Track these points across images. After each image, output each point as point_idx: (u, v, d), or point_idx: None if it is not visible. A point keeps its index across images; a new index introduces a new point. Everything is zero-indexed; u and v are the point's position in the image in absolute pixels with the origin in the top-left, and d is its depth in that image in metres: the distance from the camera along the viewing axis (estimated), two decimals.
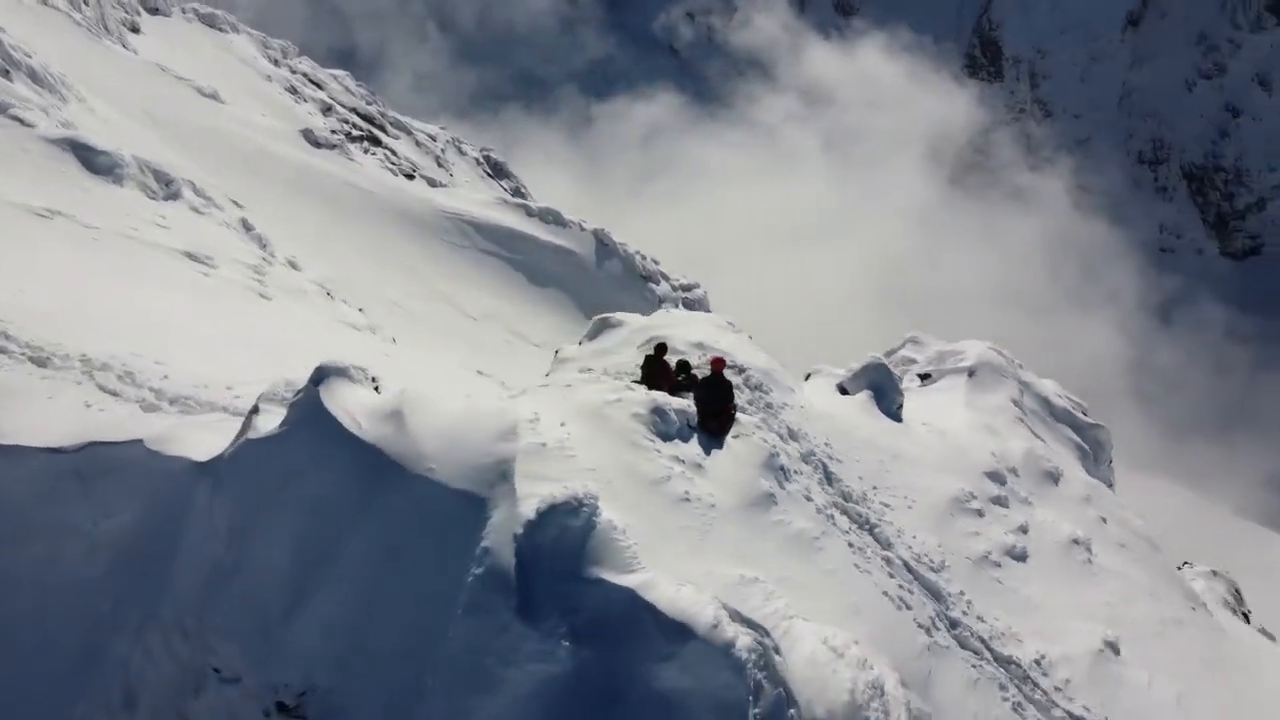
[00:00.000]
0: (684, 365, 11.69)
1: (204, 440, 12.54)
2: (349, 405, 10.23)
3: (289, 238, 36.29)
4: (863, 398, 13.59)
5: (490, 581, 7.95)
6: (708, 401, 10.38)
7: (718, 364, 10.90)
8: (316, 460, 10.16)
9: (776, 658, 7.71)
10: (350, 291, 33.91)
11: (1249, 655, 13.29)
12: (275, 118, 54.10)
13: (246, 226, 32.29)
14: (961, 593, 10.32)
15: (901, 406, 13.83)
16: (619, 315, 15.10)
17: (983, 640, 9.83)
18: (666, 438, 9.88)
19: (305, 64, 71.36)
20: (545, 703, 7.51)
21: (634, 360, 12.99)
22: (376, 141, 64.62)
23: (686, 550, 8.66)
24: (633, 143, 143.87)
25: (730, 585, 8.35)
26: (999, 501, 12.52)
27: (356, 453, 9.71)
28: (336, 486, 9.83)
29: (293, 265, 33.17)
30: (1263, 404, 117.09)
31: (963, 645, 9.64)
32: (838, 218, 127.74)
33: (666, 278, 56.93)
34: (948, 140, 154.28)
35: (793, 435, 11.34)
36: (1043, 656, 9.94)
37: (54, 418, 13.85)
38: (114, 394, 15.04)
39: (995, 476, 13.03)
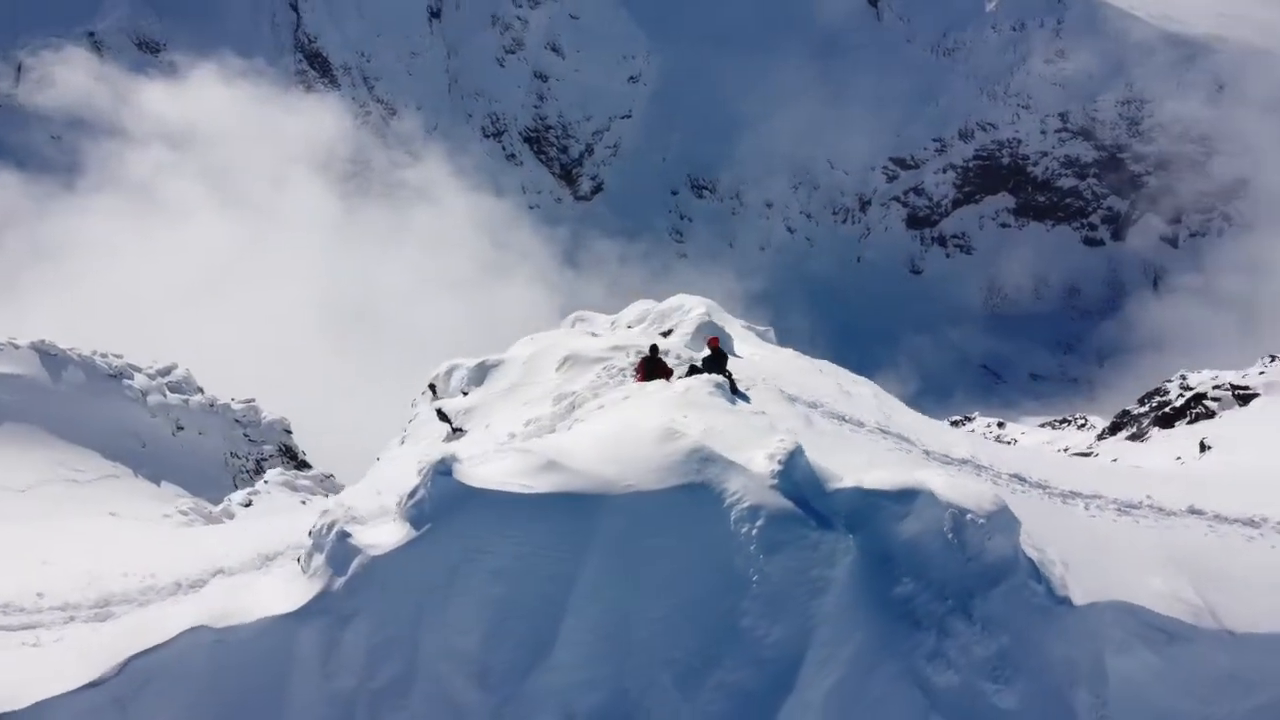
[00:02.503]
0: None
1: (249, 599, 12.38)
2: (489, 477, 11.47)
3: None
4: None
5: (780, 521, 10.47)
6: (718, 369, 13.40)
7: (714, 342, 13.86)
8: (491, 532, 11.33)
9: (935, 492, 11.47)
10: None
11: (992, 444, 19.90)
12: None
13: None
14: (907, 436, 14.85)
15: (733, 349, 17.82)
16: (493, 356, 16.72)
17: (945, 455, 14.47)
18: (732, 401, 12.78)
19: None
20: (855, 582, 10.40)
21: (563, 379, 15.12)
22: None
23: (824, 457, 11.85)
24: None
25: (863, 466, 11.84)
26: (841, 387, 17.22)
27: (544, 506, 11.19)
28: (533, 543, 11.21)
29: None
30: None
31: (943, 464, 14.16)
32: (253, 252, 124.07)
33: (138, 369, 52.73)
34: (326, 154, 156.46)
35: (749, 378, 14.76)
36: (967, 456, 14.89)
37: (11, 669, 12.33)
38: (32, 626, 13.34)
39: (820, 373, 17.70)
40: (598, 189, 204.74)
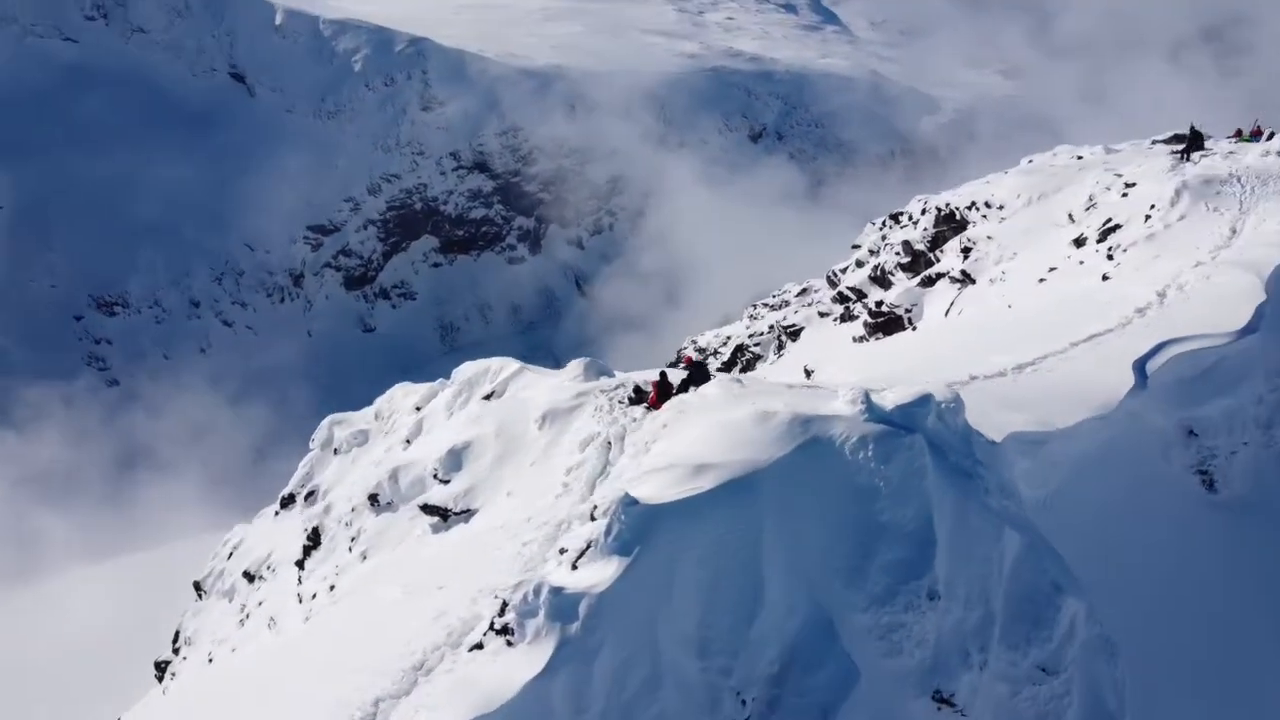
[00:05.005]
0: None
1: (478, 691, 13.57)
2: (652, 496, 14.32)
3: None
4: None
5: (885, 439, 14.78)
6: (705, 376, 17.09)
7: (688, 360, 17.28)
8: (686, 532, 14.22)
9: None
10: None
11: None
12: None
13: None
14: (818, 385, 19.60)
15: None
16: (458, 441, 18.12)
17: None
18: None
19: None
20: (935, 461, 15.03)
21: (552, 433, 17.41)
22: None
23: None
24: None
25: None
26: None
27: (718, 498, 14.38)
28: (720, 528, 14.40)
29: None
30: None
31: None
32: None
33: None
34: None
35: None
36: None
37: None
38: None
39: None
40: None
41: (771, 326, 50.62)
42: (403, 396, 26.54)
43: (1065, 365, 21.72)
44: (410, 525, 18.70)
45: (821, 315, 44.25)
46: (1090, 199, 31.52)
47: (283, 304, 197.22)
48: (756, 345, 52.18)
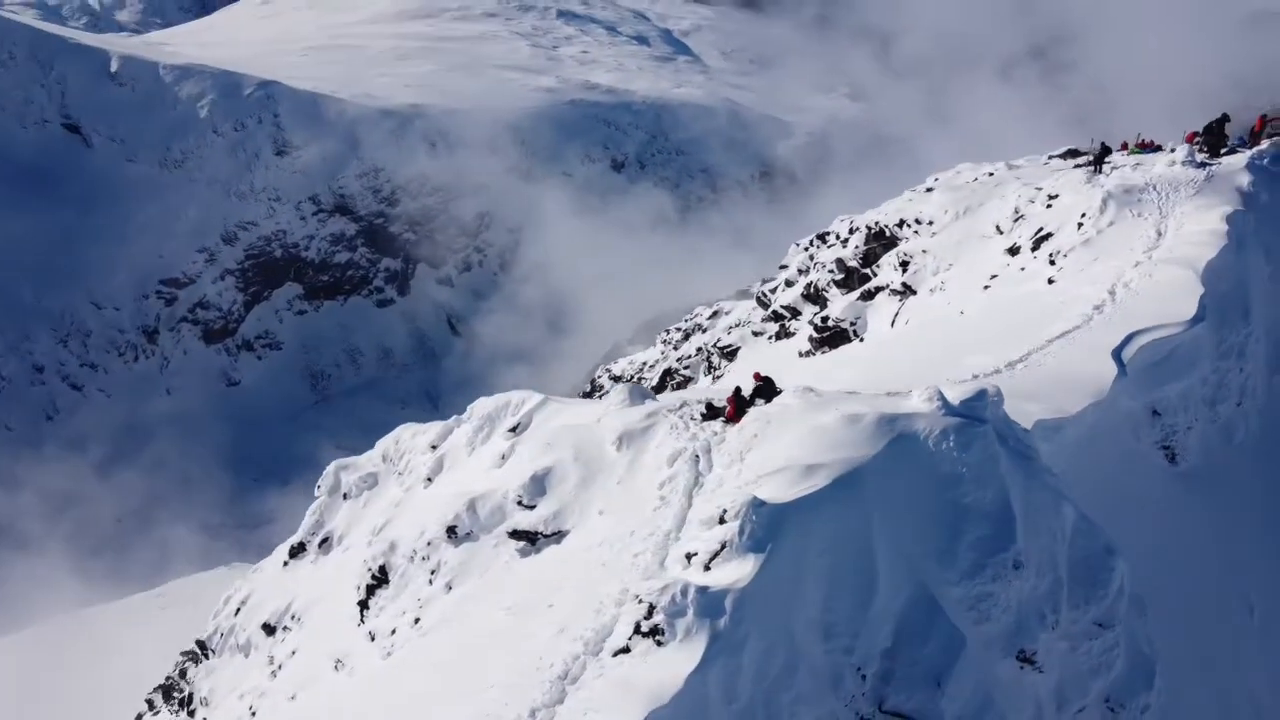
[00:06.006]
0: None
1: (633, 694, 14.50)
2: (774, 496, 15.72)
3: None
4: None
5: (963, 430, 16.58)
6: (773, 390, 18.50)
7: (757, 375, 18.62)
8: (809, 526, 15.70)
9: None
10: None
11: None
12: None
13: None
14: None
15: None
16: (539, 468, 18.88)
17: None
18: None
19: None
20: (1003, 446, 16.83)
21: (631, 454, 18.52)
22: None
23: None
24: None
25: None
26: None
27: (831, 494, 15.85)
28: (835, 520, 15.88)
29: None
30: None
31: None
32: None
33: None
34: None
35: None
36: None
37: None
38: None
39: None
40: None
41: (700, 349, 52.44)
42: (411, 437, 26.92)
43: (1050, 360, 24.14)
44: (495, 552, 19.24)
45: (755, 334, 46.37)
46: (1016, 211, 34.68)
47: (137, 363, 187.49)
48: (686, 369, 53.86)
